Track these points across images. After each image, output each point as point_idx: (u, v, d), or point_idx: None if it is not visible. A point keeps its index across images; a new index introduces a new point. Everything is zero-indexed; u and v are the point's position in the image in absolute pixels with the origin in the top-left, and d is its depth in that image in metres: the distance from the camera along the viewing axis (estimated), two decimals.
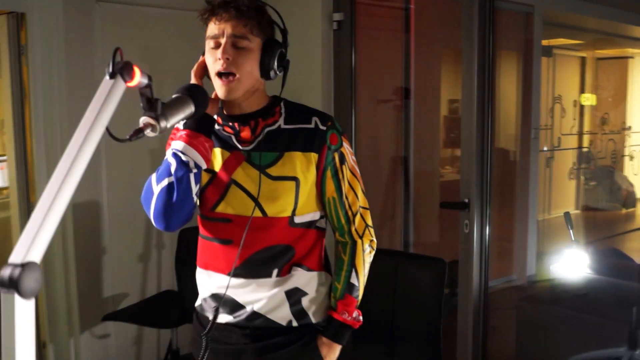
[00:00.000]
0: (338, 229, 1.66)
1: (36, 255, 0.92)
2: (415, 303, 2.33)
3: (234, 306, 1.60)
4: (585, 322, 3.04)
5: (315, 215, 1.62)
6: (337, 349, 1.65)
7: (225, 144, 1.57)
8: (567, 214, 3.01)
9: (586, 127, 5.99)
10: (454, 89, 4.74)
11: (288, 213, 1.55)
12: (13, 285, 0.87)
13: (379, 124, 4.04)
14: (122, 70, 1.12)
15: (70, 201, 1.00)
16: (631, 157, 5.94)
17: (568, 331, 3.05)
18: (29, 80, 3.10)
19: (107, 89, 1.10)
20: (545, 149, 5.44)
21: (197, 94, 1.41)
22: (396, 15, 3.98)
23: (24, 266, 0.88)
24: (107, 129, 1.10)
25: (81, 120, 1.05)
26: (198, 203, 1.59)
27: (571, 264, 2.92)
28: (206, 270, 1.64)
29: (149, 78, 1.20)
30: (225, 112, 1.59)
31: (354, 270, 1.65)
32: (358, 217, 1.65)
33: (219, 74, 1.49)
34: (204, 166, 1.50)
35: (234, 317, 1.61)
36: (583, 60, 6.01)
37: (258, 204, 1.53)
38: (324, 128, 1.57)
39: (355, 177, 1.65)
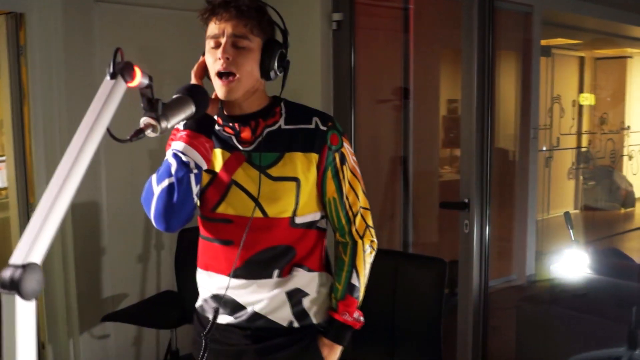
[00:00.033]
0: (338, 230, 1.66)
1: (37, 256, 0.92)
2: (416, 303, 2.33)
3: (234, 307, 1.60)
4: (585, 322, 3.04)
5: (316, 215, 1.61)
6: (338, 350, 1.65)
7: (226, 145, 1.56)
8: (567, 214, 3.01)
9: (585, 127, 5.99)
10: (453, 89, 4.74)
11: (289, 214, 1.55)
12: (14, 286, 0.87)
13: (379, 124, 4.04)
14: (123, 70, 1.11)
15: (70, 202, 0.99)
16: (630, 157, 5.94)
17: (568, 331, 3.05)
18: (28, 81, 3.09)
19: (108, 90, 1.10)
20: (544, 148, 5.44)
21: (198, 94, 1.40)
22: (395, 15, 3.97)
23: (25, 267, 0.88)
24: (108, 130, 1.09)
25: (82, 121, 1.05)
26: (198, 204, 1.59)
27: (571, 263, 2.92)
28: (207, 271, 1.63)
29: (150, 78, 1.19)
30: (225, 112, 1.59)
31: (354, 270, 1.64)
32: (359, 217, 1.65)
33: (219, 74, 1.48)
34: (205, 167, 1.50)
35: (235, 318, 1.61)
36: (582, 60, 6.01)
37: (259, 205, 1.52)
38: (325, 128, 1.56)
39: (356, 177, 1.64)
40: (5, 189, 3.90)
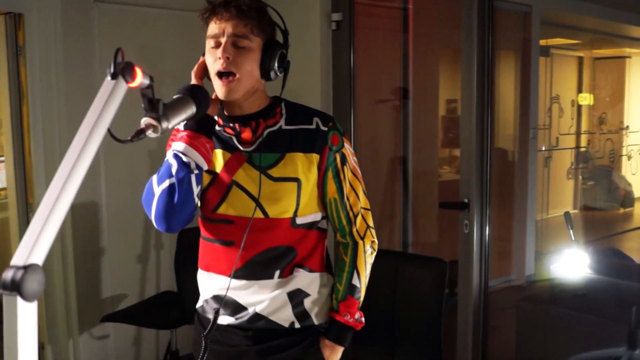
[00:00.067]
0: (339, 230, 1.66)
1: (38, 257, 0.91)
2: (416, 303, 2.33)
3: (235, 308, 1.60)
4: (585, 322, 3.04)
5: (316, 216, 1.61)
6: (339, 350, 1.65)
7: (226, 145, 1.56)
8: (567, 214, 3.01)
9: (584, 126, 5.99)
10: (452, 89, 4.74)
11: (290, 214, 1.54)
12: (15, 287, 0.87)
13: (378, 124, 4.03)
14: (124, 70, 1.11)
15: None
16: (629, 157, 5.94)
17: (568, 331, 3.05)
18: (26, 81, 3.09)
19: (109, 90, 1.09)
20: (543, 148, 5.44)
21: (199, 94, 1.40)
22: (395, 15, 3.97)
23: (27, 268, 0.88)
24: (109, 130, 1.09)
25: (83, 122, 1.05)
26: (199, 204, 1.58)
27: (571, 263, 2.93)
28: (207, 272, 1.63)
29: (151, 79, 1.19)
30: (226, 112, 1.58)
31: (355, 271, 1.64)
32: (359, 218, 1.64)
33: (219, 74, 1.48)
34: (205, 167, 1.49)
35: (236, 319, 1.60)
36: (580, 60, 6.01)
37: (259, 205, 1.52)
38: (325, 129, 1.56)
39: (357, 177, 1.64)
40: (4, 189, 3.89)
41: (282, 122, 1.57)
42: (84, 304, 3.30)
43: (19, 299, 0.87)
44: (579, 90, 6.02)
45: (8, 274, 0.87)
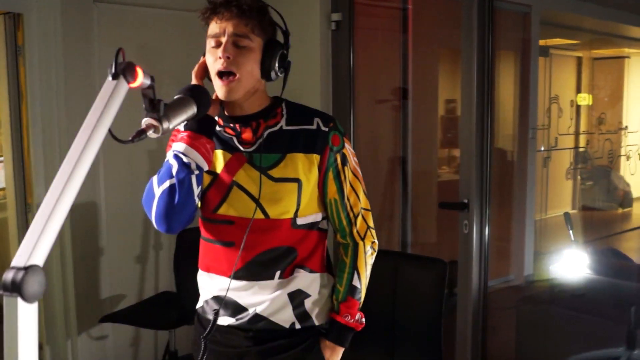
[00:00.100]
0: (340, 231, 1.66)
1: (39, 258, 0.91)
2: (416, 304, 2.33)
3: (236, 308, 1.59)
4: (584, 322, 3.04)
5: (317, 216, 1.61)
6: (340, 351, 1.64)
7: (227, 146, 1.56)
8: (567, 215, 3.02)
9: (583, 127, 5.99)
10: (451, 89, 4.74)
11: (290, 215, 1.54)
12: (16, 289, 0.86)
13: (378, 124, 4.03)
14: (125, 70, 1.11)
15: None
16: (628, 157, 5.94)
17: (567, 331, 3.05)
18: (26, 81, 3.09)
19: (110, 90, 1.09)
20: (542, 149, 5.44)
21: (199, 94, 1.40)
22: (394, 16, 3.97)
23: (27, 270, 0.88)
24: (110, 130, 1.09)
25: (84, 122, 1.04)
26: (199, 205, 1.58)
27: (571, 264, 2.93)
28: (208, 272, 1.63)
29: (152, 79, 1.19)
30: (226, 113, 1.58)
31: (356, 272, 1.64)
32: (360, 218, 1.64)
33: (220, 74, 1.48)
34: (206, 168, 1.49)
35: (236, 320, 1.60)
36: (579, 60, 6.01)
37: (260, 206, 1.52)
38: (326, 129, 1.56)
39: (357, 178, 1.64)
40: (3, 189, 3.88)
41: (282, 123, 1.56)
42: (82, 304, 3.29)
43: (20, 300, 0.87)
44: (578, 91, 6.02)
45: (8, 275, 0.87)
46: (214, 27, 1.48)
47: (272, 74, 1.53)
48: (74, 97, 3.13)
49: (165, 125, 1.24)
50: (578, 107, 5.96)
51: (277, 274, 1.56)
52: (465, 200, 2.80)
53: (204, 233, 1.62)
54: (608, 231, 5.86)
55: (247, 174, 1.53)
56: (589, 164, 6.04)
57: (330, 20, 3.32)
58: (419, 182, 4.10)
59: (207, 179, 1.54)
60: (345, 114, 3.35)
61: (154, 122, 1.22)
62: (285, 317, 1.59)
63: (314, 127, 1.55)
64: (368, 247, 1.66)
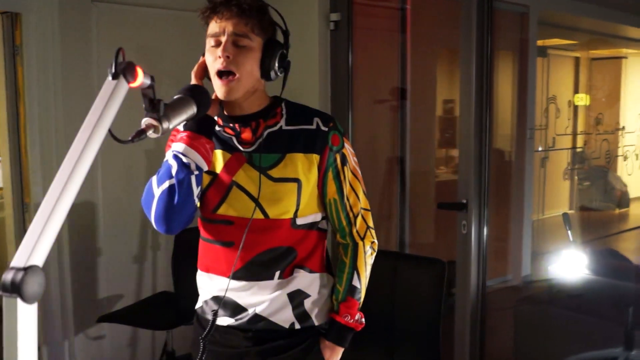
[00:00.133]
0: (339, 231, 1.65)
1: (39, 259, 0.90)
2: (414, 304, 2.32)
3: (235, 309, 1.59)
4: (581, 322, 3.04)
5: (317, 216, 1.61)
6: (339, 351, 1.64)
7: (226, 146, 1.55)
8: (565, 215, 3.02)
9: (580, 127, 6.00)
10: (449, 89, 4.74)
11: (290, 215, 1.54)
12: (16, 289, 0.86)
13: (376, 124, 4.03)
14: (125, 70, 1.10)
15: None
16: (625, 157, 5.95)
17: (565, 332, 3.06)
18: (23, 81, 3.08)
19: (110, 90, 1.09)
20: (540, 149, 5.45)
21: (199, 94, 1.39)
22: (393, 16, 3.97)
23: (27, 270, 0.87)
24: (110, 130, 1.08)
25: (84, 122, 1.04)
26: (199, 205, 1.57)
27: (569, 264, 2.93)
28: (207, 273, 1.62)
29: (152, 79, 1.18)
30: (225, 112, 1.58)
31: (355, 272, 1.64)
32: (359, 218, 1.64)
33: (219, 74, 1.47)
34: (205, 168, 1.48)
35: (236, 320, 1.60)
36: (577, 61, 6.02)
37: (259, 206, 1.51)
38: (326, 129, 1.56)
39: (357, 178, 1.64)
40: (0, 189, 3.88)
41: (282, 123, 1.56)
42: (79, 304, 3.29)
43: (19, 301, 0.87)
44: (576, 91, 6.03)
45: (8, 276, 0.87)
46: (213, 27, 1.48)
47: (272, 74, 1.52)
48: (72, 97, 3.12)
49: (165, 125, 1.23)
50: (576, 107, 5.97)
51: (277, 274, 1.56)
52: (464, 201, 2.80)
53: (203, 233, 1.61)
54: (605, 231, 5.87)
55: (246, 174, 1.53)
56: (586, 165, 6.05)
57: (329, 20, 3.32)
58: (417, 182, 4.10)
59: (206, 179, 1.54)
60: (344, 114, 3.35)
61: (154, 122, 1.21)
62: (285, 317, 1.58)
63: (314, 127, 1.55)
64: (368, 247, 1.66)
